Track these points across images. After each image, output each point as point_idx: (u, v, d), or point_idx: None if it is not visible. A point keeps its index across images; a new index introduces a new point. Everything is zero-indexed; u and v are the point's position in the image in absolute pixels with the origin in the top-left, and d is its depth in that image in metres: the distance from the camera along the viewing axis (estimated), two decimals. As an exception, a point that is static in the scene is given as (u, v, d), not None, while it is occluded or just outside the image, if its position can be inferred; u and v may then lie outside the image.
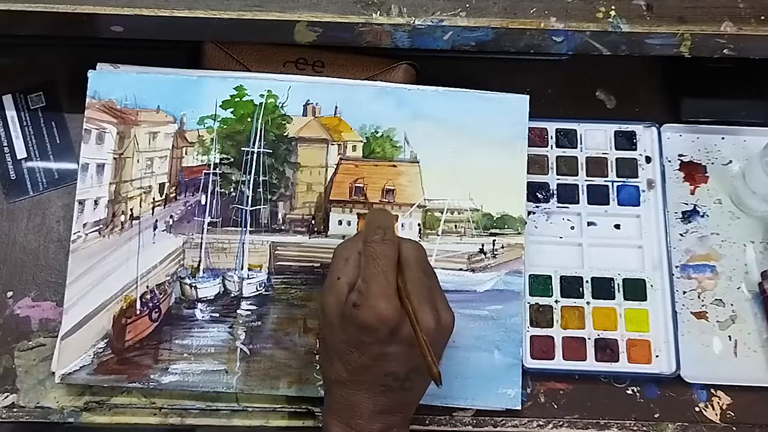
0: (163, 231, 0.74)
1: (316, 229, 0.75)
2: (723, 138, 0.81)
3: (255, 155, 0.75)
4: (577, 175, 0.79)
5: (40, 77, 0.81)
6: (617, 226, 0.78)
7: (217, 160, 0.75)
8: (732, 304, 0.76)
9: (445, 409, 0.72)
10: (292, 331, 0.72)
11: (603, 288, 0.75)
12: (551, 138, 0.80)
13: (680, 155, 0.80)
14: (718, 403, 0.73)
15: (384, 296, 0.57)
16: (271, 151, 0.75)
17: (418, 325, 0.57)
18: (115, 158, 0.75)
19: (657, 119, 0.80)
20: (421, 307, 0.58)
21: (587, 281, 0.75)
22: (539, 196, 0.78)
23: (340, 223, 0.75)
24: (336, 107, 0.76)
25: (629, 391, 0.73)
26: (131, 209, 0.74)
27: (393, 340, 0.58)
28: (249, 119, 0.75)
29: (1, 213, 0.77)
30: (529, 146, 0.76)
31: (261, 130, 0.75)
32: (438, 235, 0.74)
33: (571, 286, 0.75)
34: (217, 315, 0.72)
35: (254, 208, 0.74)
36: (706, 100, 0.81)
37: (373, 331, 0.58)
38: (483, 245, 0.74)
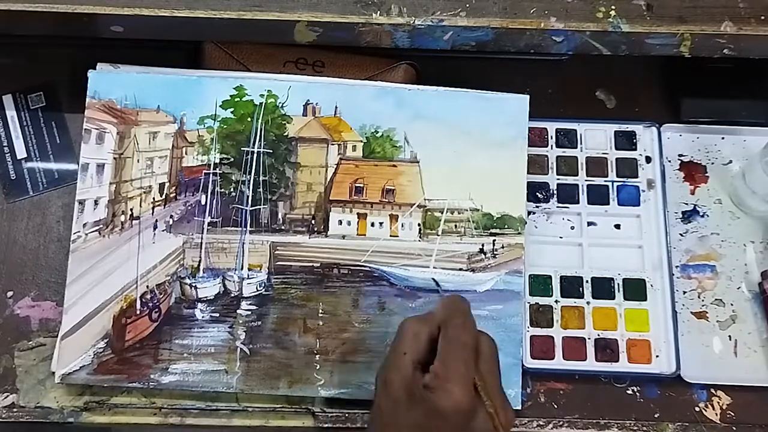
0: (163, 231, 0.74)
1: (316, 229, 0.75)
2: (723, 138, 0.81)
3: (255, 155, 0.75)
4: (577, 175, 0.79)
5: (40, 77, 0.81)
6: (617, 226, 0.78)
7: (217, 160, 0.75)
8: (732, 304, 0.76)
9: (445, 409, 0.72)
10: (292, 331, 0.72)
11: (603, 288, 0.75)
12: (551, 138, 0.80)
13: (680, 155, 0.80)
14: (718, 403, 0.73)
15: (462, 383, 0.55)
16: (271, 151, 0.75)
17: (499, 421, 0.56)
18: (115, 158, 0.75)
19: (657, 119, 0.80)
20: (499, 402, 0.57)
21: (587, 281, 0.75)
22: (539, 196, 0.78)
23: (340, 223, 0.75)
24: (336, 107, 0.76)
25: (629, 391, 0.73)
26: (131, 209, 0.74)
27: (465, 430, 0.56)
28: (249, 119, 0.75)
29: (1, 213, 0.77)
30: (529, 146, 0.76)
31: (261, 130, 0.75)
32: (438, 235, 0.74)
33: (571, 286, 0.75)
34: (217, 315, 0.72)
35: (254, 208, 0.74)
36: (706, 100, 0.81)
37: (446, 418, 0.55)
38: (483, 245, 0.74)
